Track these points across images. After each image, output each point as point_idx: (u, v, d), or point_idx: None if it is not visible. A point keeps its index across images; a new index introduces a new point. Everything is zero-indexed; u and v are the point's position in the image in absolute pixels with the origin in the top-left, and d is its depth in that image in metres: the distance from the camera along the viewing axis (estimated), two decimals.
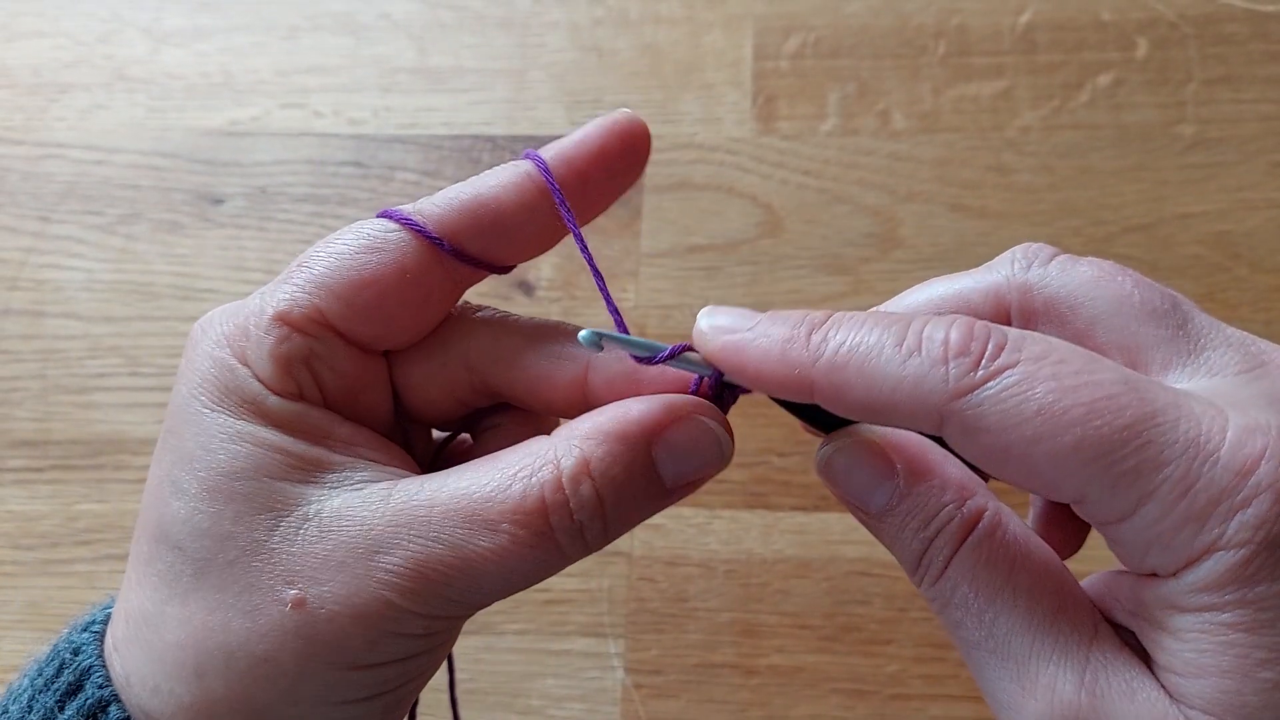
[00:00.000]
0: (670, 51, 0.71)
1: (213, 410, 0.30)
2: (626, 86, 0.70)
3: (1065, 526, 0.36)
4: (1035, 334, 0.27)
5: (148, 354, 0.66)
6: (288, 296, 0.30)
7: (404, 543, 0.29)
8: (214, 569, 0.29)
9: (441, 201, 0.32)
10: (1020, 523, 0.30)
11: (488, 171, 0.33)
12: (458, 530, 0.29)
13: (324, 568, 0.29)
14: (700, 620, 0.58)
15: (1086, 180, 0.65)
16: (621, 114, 0.33)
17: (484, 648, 0.58)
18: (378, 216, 0.32)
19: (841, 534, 0.58)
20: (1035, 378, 0.26)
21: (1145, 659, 0.27)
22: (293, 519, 0.30)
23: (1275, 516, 0.24)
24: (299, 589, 0.29)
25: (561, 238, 0.34)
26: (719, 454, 0.32)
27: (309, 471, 0.30)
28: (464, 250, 0.32)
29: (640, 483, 0.30)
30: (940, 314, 0.28)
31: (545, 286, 0.65)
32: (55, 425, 0.65)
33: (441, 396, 0.34)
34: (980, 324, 0.27)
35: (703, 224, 0.67)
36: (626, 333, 0.32)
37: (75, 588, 0.63)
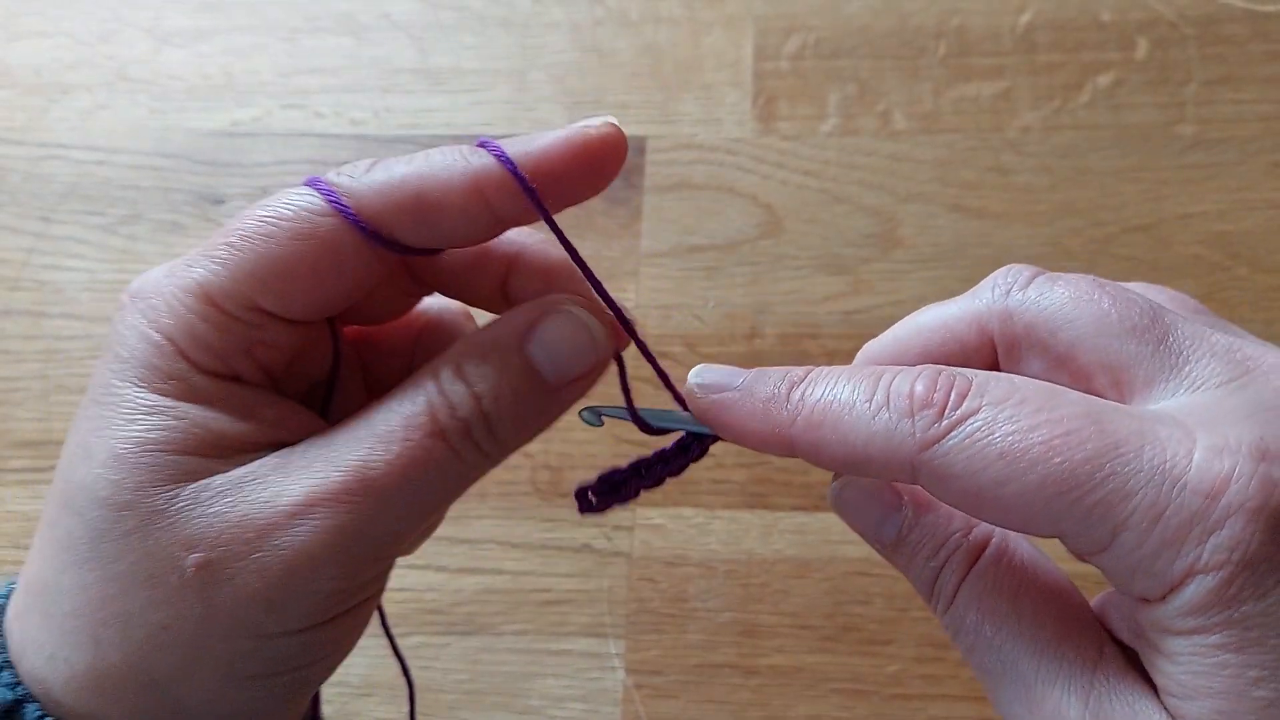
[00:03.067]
0: (670, 52, 0.71)
1: (135, 384, 0.30)
2: (627, 87, 0.71)
3: None
4: (1000, 375, 0.28)
5: None
6: (219, 281, 0.30)
7: (301, 481, 0.29)
8: (111, 537, 0.29)
9: (379, 185, 0.31)
10: (1029, 545, 0.30)
11: (431, 154, 0.32)
12: (356, 453, 0.29)
13: (224, 528, 0.29)
14: (700, 620, 0.58)
15: (1086, 180, 0.66)
16: (595, 126, 0.31)
17: (483, 648, 0.58)
18: (307, 183, 0.31)
19: (842, 534, 0.58)
20: (996, 421, 0.26)
21: (1148, 680, 0.27)
22: (195, 487, 0.29)
23: (1249, 537, 0.24)
24: (201, 552, 0.29)
25: (501, 232, 0.33)
26: (590, 342, 0.32)
27: (225, 448, 0.30)
28: (392, 236, 0.31)
29: (518, 379, 0.31)
30: (907, 366, 0.29)
31: None
32: (57, 425, 0.65)
33: (394, 298, 0.35)
34: (945, 373, 0.28)
35: (703, 224, 0.67)
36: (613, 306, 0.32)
37: None
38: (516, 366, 0.31)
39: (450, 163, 0.31)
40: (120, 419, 0.30)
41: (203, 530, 0.29)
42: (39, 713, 0.30)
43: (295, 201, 0.31)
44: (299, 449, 0.30)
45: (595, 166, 0.31)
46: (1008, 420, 0.26)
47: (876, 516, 0.31)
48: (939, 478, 0.27)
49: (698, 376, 0.31)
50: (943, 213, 0.66)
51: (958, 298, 0.33)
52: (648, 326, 0.64)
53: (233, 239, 0.31)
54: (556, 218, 0.32)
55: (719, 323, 0.64)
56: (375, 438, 0.29)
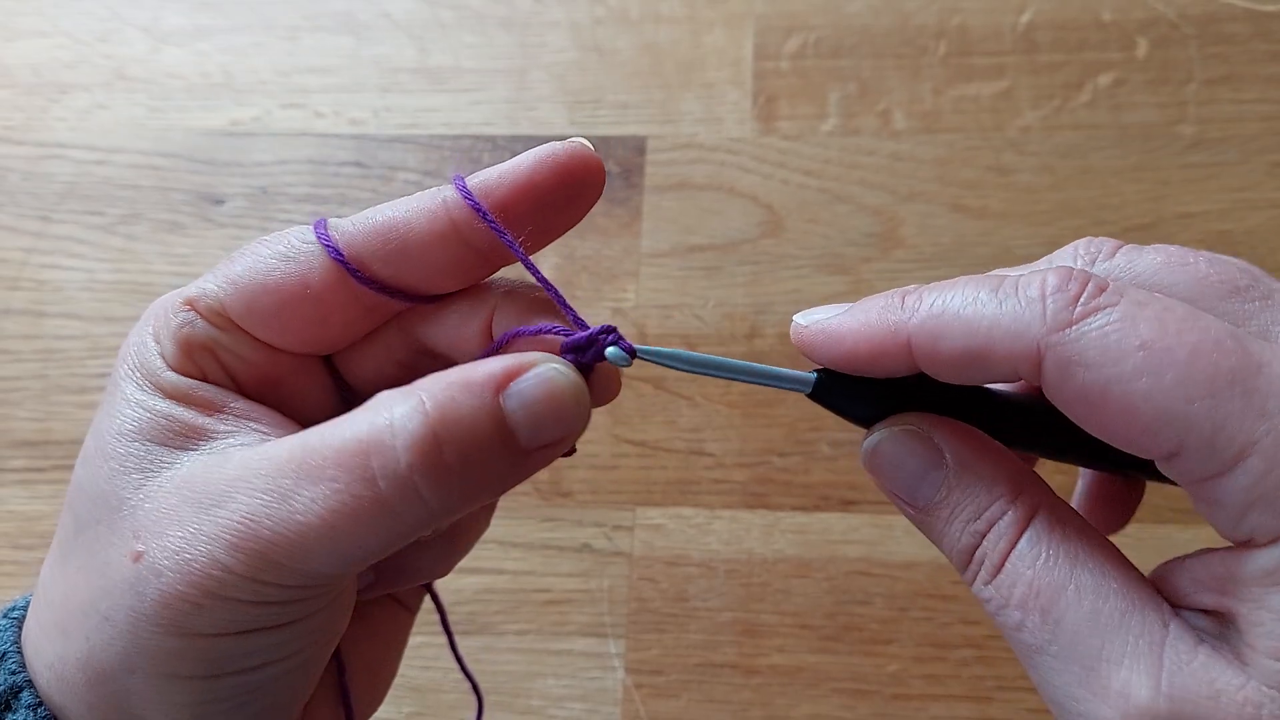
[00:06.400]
0: (671, 51, 0.71)
1: (124, 380, 0.31)
2: (627, 86, 0.70)
3: (1112, 502, 0.35)
4: (1137, 285, 0.27)
5: None
6: (201, 286, 0.31)
7: (235, 495, 0.27)
8: (89, 527, 0.29)
9: (360, 220, 0.31)
10: (1077, 516, 0.29)
11: (416, 195, 0.31)
12: (284, 480, 0.27)
13: (166, 523, 0.28)
14: (701, 620, 0.58)
15: (1087, 180, 0.65)
16: (566, 145, 0.30)
17: (484, 648, 0.58)
18: (312, 224, 0.31)
19: (842, 534, 0.58)
20: (1139, 317, 0.25)
21: (1231, 647, 0.25)
22: (159, 479, 0.29)
23: None
24: (142, 543, 0.28)
25: (495, 269, 0.31)
26: (575, 408, 0.29)
27: (190, 438, 0.30)
28: (373, 274, 0.30)
29: (487, 431, 0.27)
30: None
31: None
32: (56, 425, 0.65)
33: (383, 359, 0.33)
34: (1079, 269, 0.27)
35: (703, 224, 0.67)
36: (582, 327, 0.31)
37: None
38: (487, 415, 0.27)
39: (421, 197, 0.31)
40: (107, 415, 0.31)
41: (148, 522, 0.28)
42: (33, 699, 0.30)
43: (294, 232, 0.31)
44: (250, 454, 0.29)
45: (569, 189, 0.30)
46: (1154, 318, 0.25)
47: (915, 473, 0.29)
48: (1066, 364, 0.25)
49: (800, 316, 0.30)
50: (943, 212, 0.66)
51: (1028, 265, 0.32)
52: (648, 326, 0.64)
53: (234, 255, 0.32)
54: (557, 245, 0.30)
55: (719, 322, 0.64)
56: (304, 470, 0.27)
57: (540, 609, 0.58)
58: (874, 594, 0.57)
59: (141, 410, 0.30)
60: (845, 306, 0.30)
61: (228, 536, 0.27)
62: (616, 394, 0.32)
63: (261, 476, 0.27)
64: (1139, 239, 0.63)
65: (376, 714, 0.57)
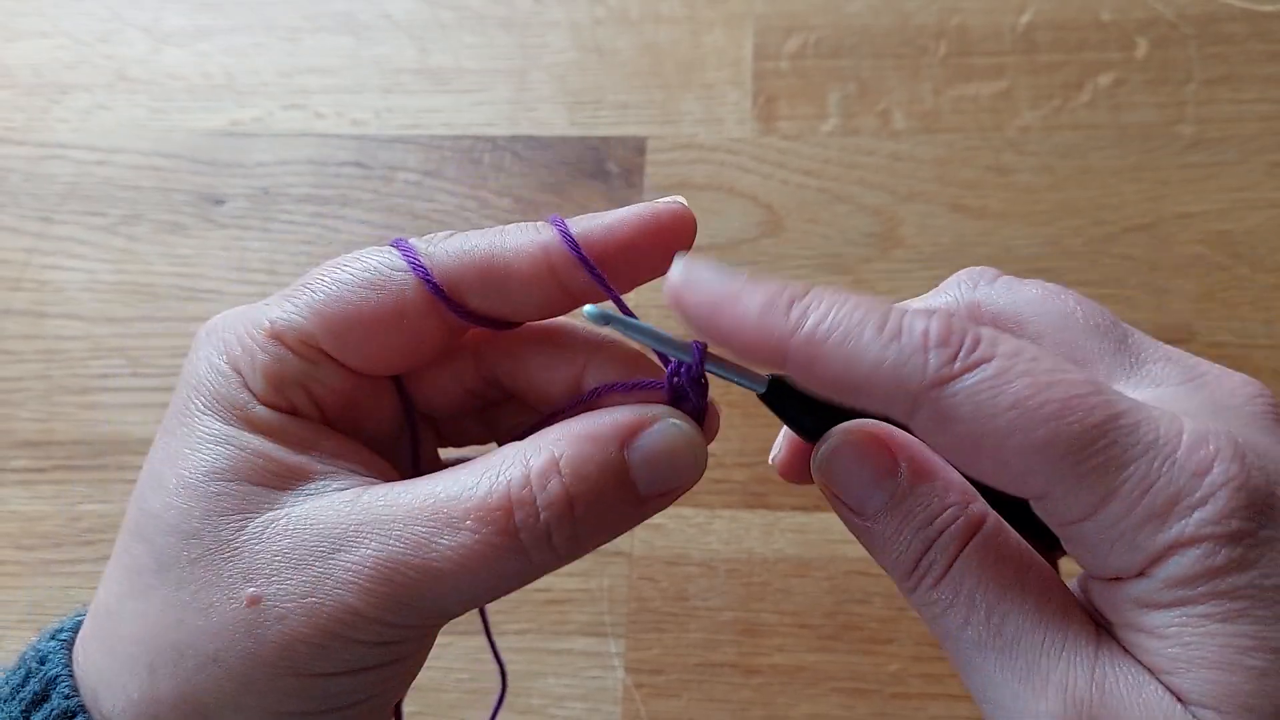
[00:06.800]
0: (671, 51, 0.71)
1: (203, 413, 0.30)
2: (627, 86, 0.71)
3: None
4: (1007, 334, 0.27)
5: (150, 354, 0.66)
6: (285, 316, 0.31)
7: (364, 541, 0.28)
8: (177, 565, 0.29)
9: (454, 250, 0.31)
10: (1014, 532, 0.30)
11: (507, 229, 0.32)
12: (419, 528, 0.28)
13: (283, 567, 0.29)
14: (701, 619, 0.58)
15: (1087, 180, 0.66)
16: (669, 207, 0.32)
17: (485, 647, 0.58)
18: (392, 244, 0.31)
19: (842, 533, 0.59)
20: (1011, 372, 0.26)
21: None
22: (262, 520, 0.29)
23: (1232, 512, 0.25)
24: (256, 587, 0.29)
25: (574, 308, 0.32)
26: (692, 459, 0.31)
27: (287, 479, 0.30)
28: (466, 305, 0.31)
29: (612, 484, 0.29)
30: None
31: None
32: (58, 426, 0.65)
33: (451, 385, 0.34)
34: (958, 319, 0.27)
35: (703, 224, 0.66)
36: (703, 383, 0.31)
37: (78, 588, 0.63)
38: (612, 469, 0.29)
39: (520, 234, 0.31)
40: (188, 448, 0.30)
41: (262, 565, 0.29)
42: None
43: (373, 254, 0.31)
44: (371, 500, 0.29)
45: (662, 245, 0.31)
46: (1024, 374, 0.26)
47: (869, 481, 0.30)
48: (942, 418, 0.26)
49: (680, 267, 0.29)
50: (943, 212, 0.66)
51: (919, 296, 0.33)
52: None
53: (310, 280, 0.31)
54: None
55: None
56: (441, 519, 0.28)
57: (540, 608, 0.59)
58: (873, 593, 0.57)
59: (233, 448, 0.30)
60: (729, 275, 0.29)
61: (359, 581, 0.28)
62: (716, 432, 0.33)
63: (393, 523, 0.29)
64: (1138, 238, 0.64)
65: None
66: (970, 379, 0.26)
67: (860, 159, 0.67)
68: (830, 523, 0.59)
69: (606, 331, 0.32)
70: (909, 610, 0.57)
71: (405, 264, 0.31)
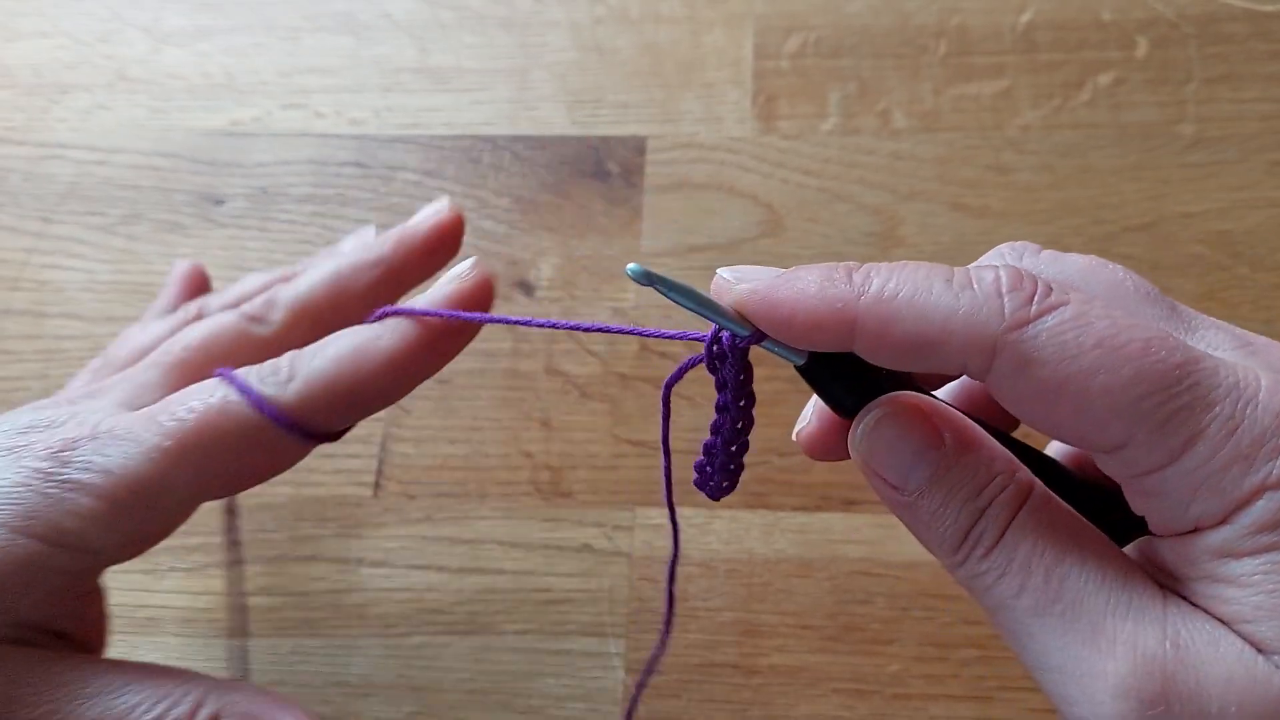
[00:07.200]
0: (671, 50, 0.71)
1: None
2: (627, 86, 0.71)
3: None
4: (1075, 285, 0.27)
5: None
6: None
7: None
8: None
9: (307, 388, 0.36)
10: (1061, 500, 0.29)
11: (365, 345, 0.36)
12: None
13: None
14: (701, 620, 0.58)
15: (1087, 179, 0.65)
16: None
17: (484, 647, 0.58)
18: (228, 380, 0.37)
19: (843, 534, 0.58)
20: (1090, 314, 0.26)
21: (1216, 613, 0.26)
22: None
23: None
24: None
25: (398, 398, 0.38)
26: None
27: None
28: (310, 430, 0.36)
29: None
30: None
31: (545, 286, 0.65)
32: None
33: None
34: (1026, 270, 0.27)
35: (703, 224, 0.67)
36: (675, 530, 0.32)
37: None
38: None
39: (380, 359, 0.37)
40: None
41: None
42: None
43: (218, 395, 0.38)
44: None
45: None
46: (1104, 315, 0.26)
47: (913, 454, 0.28)
48: (1023, 362, 0.26)
49: (727, 270, 0.29)
50: (943, 211, 0.66)
51: (960, 268, 0.33)
52: (647, 326, 0.64)
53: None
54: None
55: None
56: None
57: (540, 609, 0.58)
58: (875, 594, 0.57)
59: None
60: (777, 271, 0.29)
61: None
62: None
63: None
64: (1139, 238, 0.63)
65: (376, 713, 0.57)
66: (1051, 319, 0.26)
67: (860, 158, 0.67)
68: (831, 523, 0.59)
69: (649, 291, 0.31)
70: (911, 611, 0.57)
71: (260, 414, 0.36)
